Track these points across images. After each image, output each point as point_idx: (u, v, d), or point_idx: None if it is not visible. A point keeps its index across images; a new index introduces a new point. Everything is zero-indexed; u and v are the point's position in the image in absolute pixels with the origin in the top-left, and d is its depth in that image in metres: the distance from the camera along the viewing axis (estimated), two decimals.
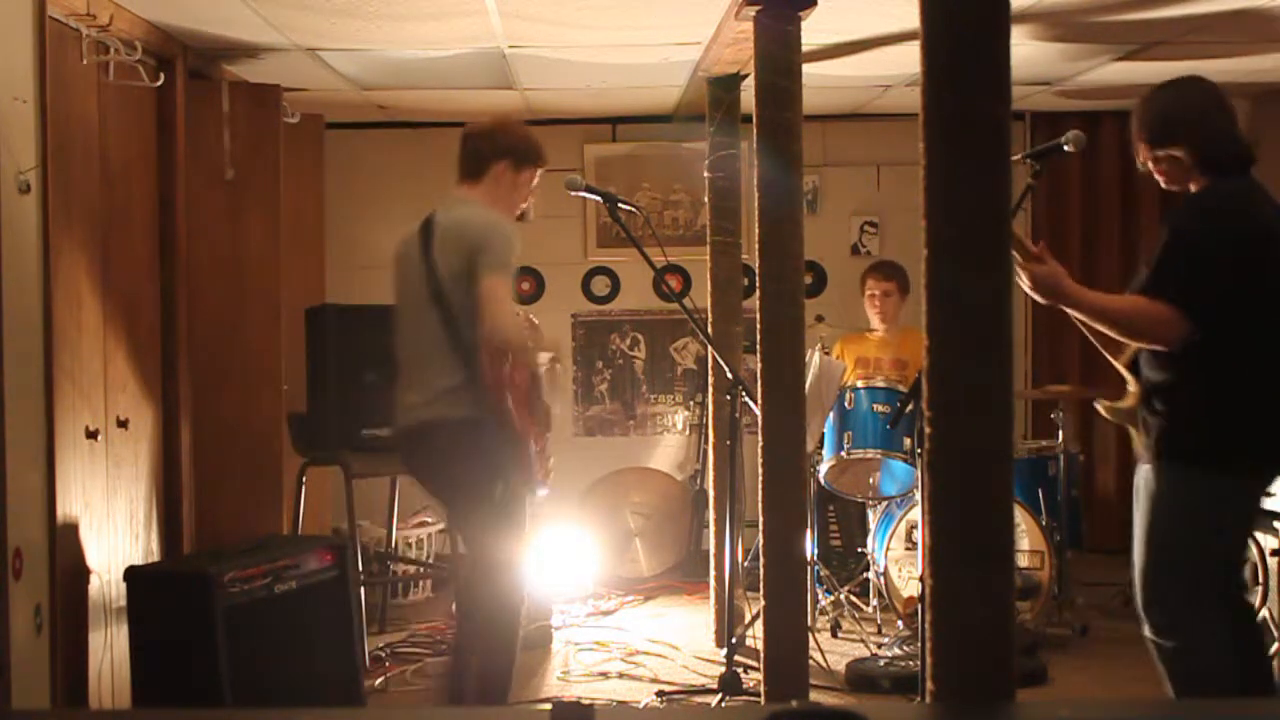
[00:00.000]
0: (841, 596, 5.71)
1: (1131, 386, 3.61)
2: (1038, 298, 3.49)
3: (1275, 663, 4.06)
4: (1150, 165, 3.56)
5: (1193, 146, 3.47)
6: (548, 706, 1.52)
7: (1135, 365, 3.57)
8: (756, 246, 4.36)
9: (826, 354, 5.62)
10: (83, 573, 4.28)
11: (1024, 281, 3.47)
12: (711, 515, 5.79)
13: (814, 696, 4.57)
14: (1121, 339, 3.45)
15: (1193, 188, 3.51)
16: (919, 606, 4.06)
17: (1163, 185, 3.59)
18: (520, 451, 3.96)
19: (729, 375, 4.78)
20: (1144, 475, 3.50)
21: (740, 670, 4.69)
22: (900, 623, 5.44)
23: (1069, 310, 3.50)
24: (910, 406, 4.34)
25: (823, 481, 5.63)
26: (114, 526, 4.57)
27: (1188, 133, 3.47)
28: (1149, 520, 3.46)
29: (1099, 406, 3.70)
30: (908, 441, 5.38)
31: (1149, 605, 3.44)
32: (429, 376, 3.95)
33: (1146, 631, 3.46)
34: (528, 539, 4.13)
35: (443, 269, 3.94)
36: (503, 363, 3.89)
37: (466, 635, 4.09)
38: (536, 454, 4.04)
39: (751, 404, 4.58)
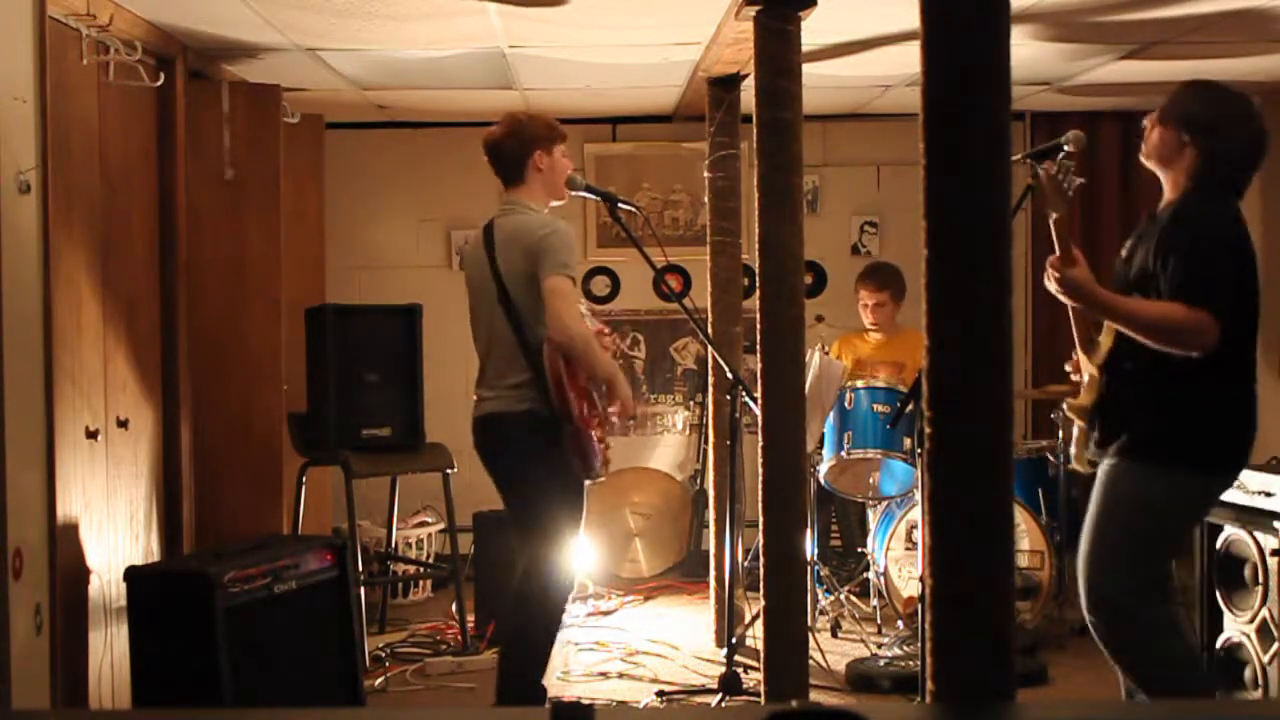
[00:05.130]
0: (841, 596, 5.71)
1: (1088, 381, 3.63)
2: (1063, 297, 3.54)
3: (1275, 665, 4.06)
4: (1154, 134, 3.58)
5: (1200, 147, 3.50)
6: (548, 706, 1.52)
7: (1108, 362, 3.59)
8: (756, 246, 4.36)
9: (826, 354, 5.61)
10: (83, 573, 4.28)
11: (1051, 280, 3.51)
12: (711, 515, 5.79)
13: (814, 696, 4.57)
14: (1150, 344, 3.43)
15: (1171, 187, 3.55)
16: (919, 606, 4.07)
17: (1142, 154, 3.62)
18: (579, 443, 4.19)
19: (729, 375, 4.78)
20: (1110, 471, 3.53)
21: (740, 670, 4.69)
22: (900, 623, 5.44)
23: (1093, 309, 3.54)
24: (910, 406, 4.35)
25: (823, 481, 5.62)
26: (114, 526, 4.57)
27: (1205, 133, 3.50)
28: (1110, 516, 3.49)
29: (1065, 406, 3.73)
30: (908, 441, 5.37)
31: (1100, 600, 3.49)
32: (499, 373, 4.28)
33: (1096, 634, 3.52)
34: (579, 530, 4.34)
35: (507, 273, 4.24)
36: (564, 358, 4.13)
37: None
38: (596, 445, 4.25)
39: (751, 404, 4.58)
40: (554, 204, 4.47)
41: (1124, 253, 3.70)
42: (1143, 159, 3.64)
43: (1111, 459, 3.53)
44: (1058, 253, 3.51)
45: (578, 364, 4.19)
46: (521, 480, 4.29)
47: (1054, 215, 3.48)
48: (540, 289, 4.14)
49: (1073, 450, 3.71)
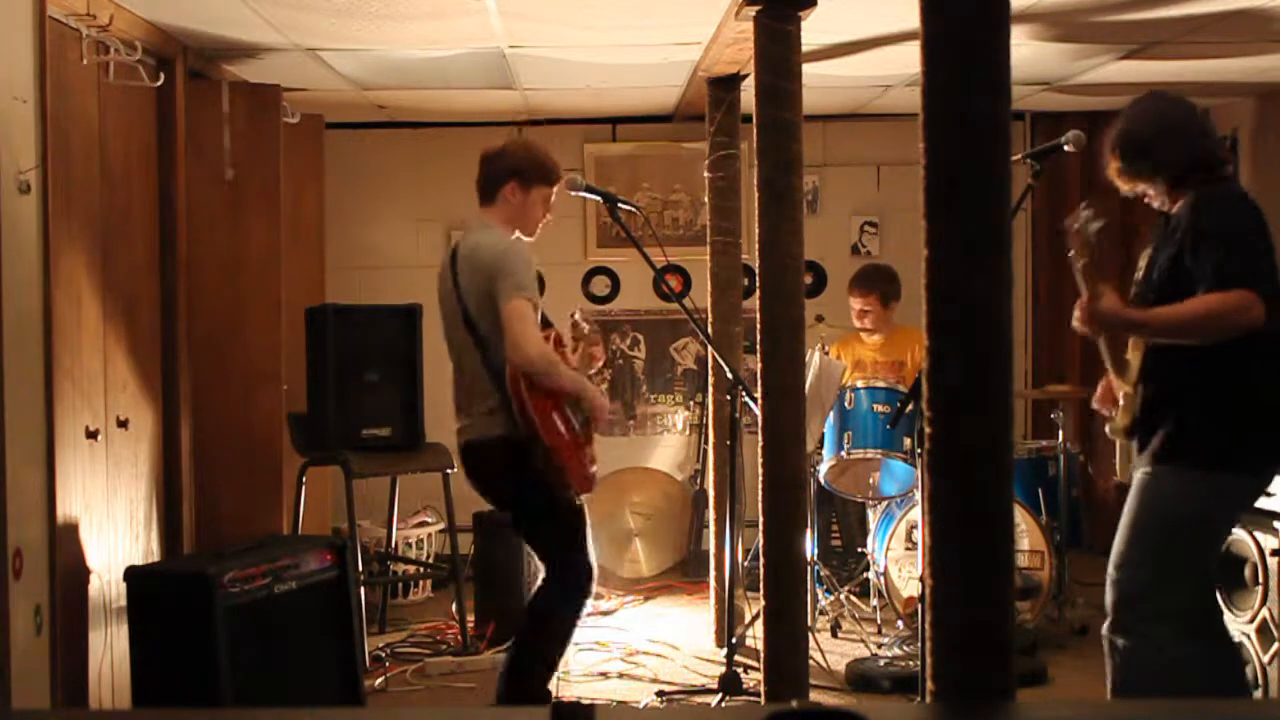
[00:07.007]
0: (841, 596, 5.71)
1: (1124, 401, 3.63)
2: (1089, 331, 3.55)
3: (1275, 665, 4.06)
4: (1137, 192, 3.63)
5: (1163, 175, 3.55)
6: (548, 706, 1.52)
7: (1141, 377, 3.59)
8: (756, 246, 4.36)
9: (826, 354, 5.61)
10: (83, 573, 4.28)
11: (1083, 321, 3.51)
12: (711, 515, 5.79)
13: (814, 696, 4.57)
14: (1201, 341, 3.42)
15: (1175, 206, 3.57)
16: (919, 606, 4.06)
17: (1157, 208, 3.64)
18: (552, 463, 4.12)
19: (729, 375, 4.78)
20: (1144, 478, 3.52)
21: (740, 670, 4.69)
22: (900, 623, 5.44)
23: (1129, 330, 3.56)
24: (910, 406, 4.35)
25: (823, 481, 5.62)
26: (114, 526, 4.57)
27: (1155, 164, 3.55)
28: (1145, 518, 3.49)
29: (1107, 430, 3.74)
30: (908, 441, 5.38)
31: (1122, 603, 3.48)
32: (471, 399, 4.24)
33: (1106, 629, 3.52)
34: (586, 543, 4.28)
35: (469, 295, 4.19)
36: (527, 380, 4.07)
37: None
38: (569, 465, 4.17)
39: (751, 404, 4.58)
40: (522, 238, 4.35)
41: (1143, 263, 3.68)
42: (1162, 207, 3.63)
43: (1147, 465, 3.52)
44: (1085, 295, 3.50)
45: (544, 384, 4.12)
46: (512, 504, 4.32)
47: (1081, 261, 3.47)
48: (499, 312, 4.07)
49: (1117, 463, 3.71)
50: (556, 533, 4.24)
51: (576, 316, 4.53)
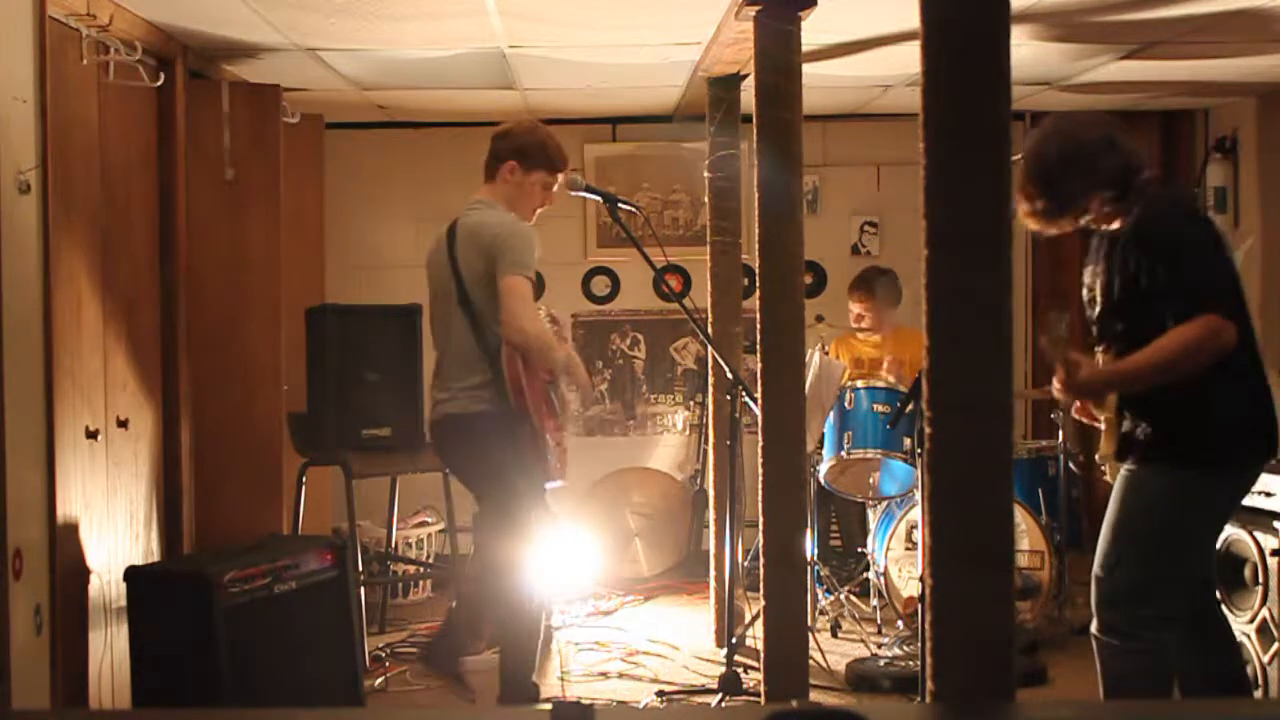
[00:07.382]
0: (841, 596, 5.71)
1: (1105, 428, 3.64)
2: (1071, 398, 3.56)
3: (1275, 665, 4.06)
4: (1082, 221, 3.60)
5: (1084, 201, 3.51)
6: (548, 706, 1.52)
7: (1119, 405, 3.59)
8: (756, 246, 4.36)
9: (826, 354, 5.61)
10: (83, 573, 4.28)
11: (1056, 384, 3.49)
12: (711, 515, 5.79)
13: (814, 696, 4.58)
14: (1184, 374, 3.37)
15: (1114, 223, 3.54)
16: (919, 606, 4.07)
17: (1095, 228, 3.61)
18: (536, 445, 4.17)
19: (729, 375, 4.78)
20: (1127, 477, 3.53)
21: (740, 670, 4.69)
22: (900, 623, 5.44)
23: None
24: (910, 406, 4.35)
25: (823, 481, 5.62)
26: (114, 526, 4.57)
27: (1072, 194, 3.50)
28: (1128, 522, 3.48)
29: (1097, 458, 3.73)
30: (908, 441, 5.38)
31: (1108, 603, 3.49)
32: (456, 374, 4.23)
33: (1094, 629, 3.52)
34: (549, 531, 4.30)
35: (466, 272, 4.21)
36: (523, 359, 4.11)
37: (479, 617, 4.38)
38: (553, 448, 4.24)
39: (751, 404, 4.58)
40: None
41: (1088, 279, 3.64)
42: (1101, 226, 3.59)
43: (1130, 465, 3.53)
44: (1061, 370, 3.46)
45: (536, 363, 4.17)
46: (484, 481, 4.31)
47: (1056, 350, 3.46)
48: (497, 289, 4.10)
49: (1108, 472, 3.70)
50: (524, 513, 4.22)
51: (543, 315, 4.53)
